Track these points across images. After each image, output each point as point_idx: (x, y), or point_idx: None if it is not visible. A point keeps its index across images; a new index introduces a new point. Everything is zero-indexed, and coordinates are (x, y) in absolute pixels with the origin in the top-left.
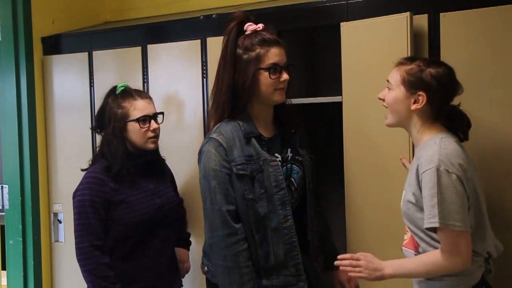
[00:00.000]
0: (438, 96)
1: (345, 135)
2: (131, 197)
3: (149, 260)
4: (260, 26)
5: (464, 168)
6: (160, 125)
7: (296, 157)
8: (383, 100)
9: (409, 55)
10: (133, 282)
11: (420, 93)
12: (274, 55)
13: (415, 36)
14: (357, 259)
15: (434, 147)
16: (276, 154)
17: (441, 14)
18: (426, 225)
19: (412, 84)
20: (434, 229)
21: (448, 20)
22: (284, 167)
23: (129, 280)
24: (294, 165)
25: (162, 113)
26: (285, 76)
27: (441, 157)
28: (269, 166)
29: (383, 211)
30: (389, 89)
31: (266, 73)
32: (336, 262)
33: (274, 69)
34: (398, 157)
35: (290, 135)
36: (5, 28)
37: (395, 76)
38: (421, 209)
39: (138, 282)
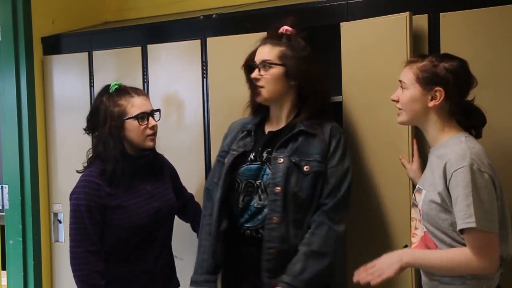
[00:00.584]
0: (455, 90)
1: (345, 135)
2: (128, 201)
3: (147, 263)
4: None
5: (493, 167)
6: (157, 122)
7: (271, 158)
8: (397, 101)
9: (408, 55)
10: (129, 284)
11: (437, 88)
12: None
13: (415, 36)
14: (373, 266)
15: (461, 145)
16: (254, 153)
17: (441, 14)
18: (462, 226)
19: (428, 81)
20: (461, 230)
21: (448, 20)
22: (258, 167)
23: (125, 282)
24: (267, 166)
25: (159, 110)
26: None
27: (472, 156)
28: (228, 159)
29: (384, 212)
30: (403, 88)
31: None
32: (354, 279)
33: None
34: (398, 157)
35: (283, 135)
36: (5, 28)
37: (408, 75)
38: (445, 209)
39: (133, 284)
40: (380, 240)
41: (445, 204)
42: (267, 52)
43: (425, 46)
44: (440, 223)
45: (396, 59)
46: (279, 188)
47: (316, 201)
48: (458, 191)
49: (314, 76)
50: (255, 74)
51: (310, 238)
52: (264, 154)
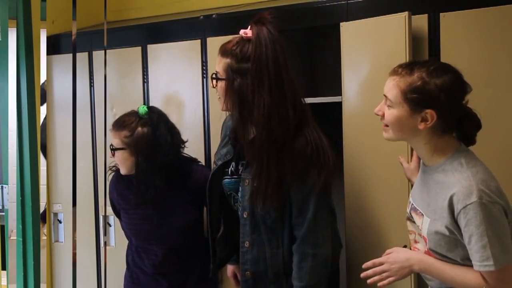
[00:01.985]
0: (448, 108)
1: (345, 135)
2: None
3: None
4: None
5: (500, 189)
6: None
7: (242, 175)
8: (381, 116)
9: (407, 54)
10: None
11: (428, 111)
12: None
13: (415, 36)
14: (380, 264)
15: (464, 173)
16: (232, 165)
17: (441, 14)
18: (480, 268)
19: (417, 102)
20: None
21: (448, 20)
22: (235, 181)
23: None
24: (239, 182)
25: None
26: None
27: (479, 186)
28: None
29: (383, 213)
30: (388, 106)
31: None
32: (362, 275)
33: None
34: (397, 157)
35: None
36: (5, 28)
37: (394, 92)
38: (455, 239)
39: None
40: (379, 240)
41: (454, 235)
42: (217, 63)
43: (425, 46)
44: (448, 253)
45: (396, 58)
46: (246, 212)
47: (288, 220)
48: (471, 230)
49: (258, 89)
50: (213, 84)
51: (299, 273)
52: (240, 167)
